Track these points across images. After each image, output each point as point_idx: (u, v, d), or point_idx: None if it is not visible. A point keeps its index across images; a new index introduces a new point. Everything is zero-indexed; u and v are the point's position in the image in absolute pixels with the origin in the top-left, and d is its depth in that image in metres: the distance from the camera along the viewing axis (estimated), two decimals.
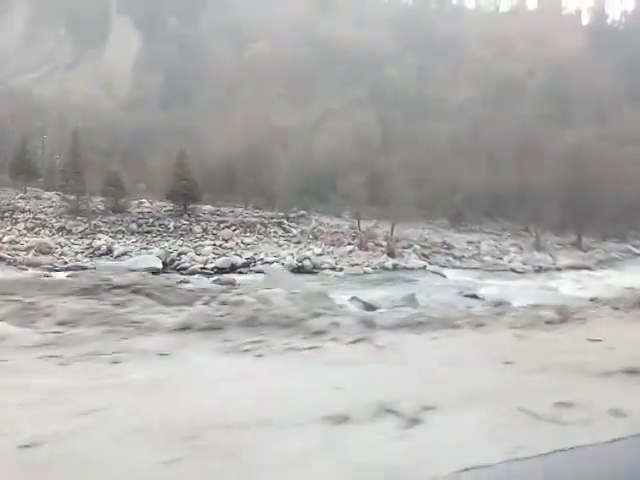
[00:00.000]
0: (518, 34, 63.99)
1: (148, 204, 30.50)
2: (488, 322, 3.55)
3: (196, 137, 40.85)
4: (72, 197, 24.83)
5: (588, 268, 25.21)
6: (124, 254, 21.20)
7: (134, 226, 24.38)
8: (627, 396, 2.17)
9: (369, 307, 16.12)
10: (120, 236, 23.36)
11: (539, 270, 24.65)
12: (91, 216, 24.11)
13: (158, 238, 23.51)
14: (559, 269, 24.94)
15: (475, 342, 3.23)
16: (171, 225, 24.64)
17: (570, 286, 19.25)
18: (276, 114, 45.95)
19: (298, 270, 22.95)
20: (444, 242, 27.12)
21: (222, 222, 25.58)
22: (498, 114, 48.80)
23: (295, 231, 26.74)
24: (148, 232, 24.07)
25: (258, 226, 26.04)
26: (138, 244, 22.50)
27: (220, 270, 21.80)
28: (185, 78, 58.24)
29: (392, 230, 26.80)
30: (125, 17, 69.01)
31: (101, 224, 24.13)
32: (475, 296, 18.13)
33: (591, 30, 67.77)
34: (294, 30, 65.47)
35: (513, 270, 24.47)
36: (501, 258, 25.81)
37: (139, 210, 26.33)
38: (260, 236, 25.20)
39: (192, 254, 22.02)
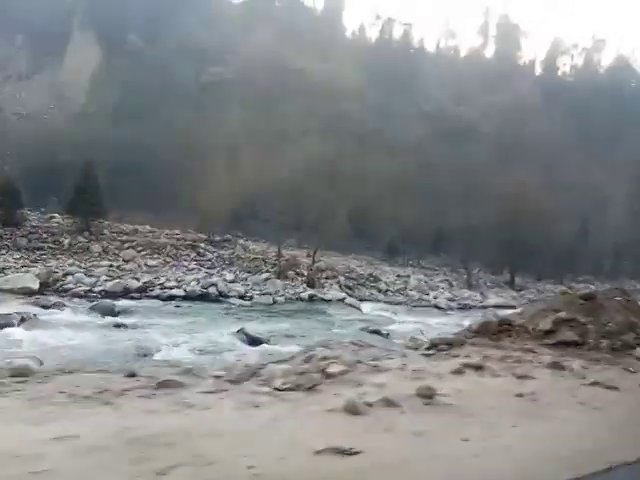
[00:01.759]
0: (474, 78, 65.96)
1: (60, 219, 28.08)
2: None
3: (144, 153, 39.86)
4: None
5: (514, 307, 24.27)
6: None
7: (23, 241, 21.82)
8: None
9: (255, 341, 14.17)
10: (4, 251, 20.77)
11: (464, 308, 23.59)
12: None
13: (48, 256, 21.03)
14: (485, 307, 23.98)
15: None
16: (66, 242, 22.23)
17: None
18: (228, 138, 45.21)
19: (201, 297, 21.02)
20: (371, 274, 25.66)
21: (127, 242, 23.36)
22: (448, 154, 49.48)
23: (211, 255, 24.74)
24: (38, 249, 21.55)
25: (168, 248, 23.91)
26: (21, 261, 19.97)
27: (110, 294, 19.62)
28: (142, 95, 57.36)
29: (313, 259, 25.17)
30: (87, 31, 68.24)
31: None
32: (379, 332, 16.74)
33: (543, 80, 70.72)
34: (259, 59, 65.95)
35: (437, 306, 23.34)
36: (427, 294, 24.54)
37: (35, 224, 23.81)
38: (168, 259, 23.07)
39: (81, 275, 19.65)
